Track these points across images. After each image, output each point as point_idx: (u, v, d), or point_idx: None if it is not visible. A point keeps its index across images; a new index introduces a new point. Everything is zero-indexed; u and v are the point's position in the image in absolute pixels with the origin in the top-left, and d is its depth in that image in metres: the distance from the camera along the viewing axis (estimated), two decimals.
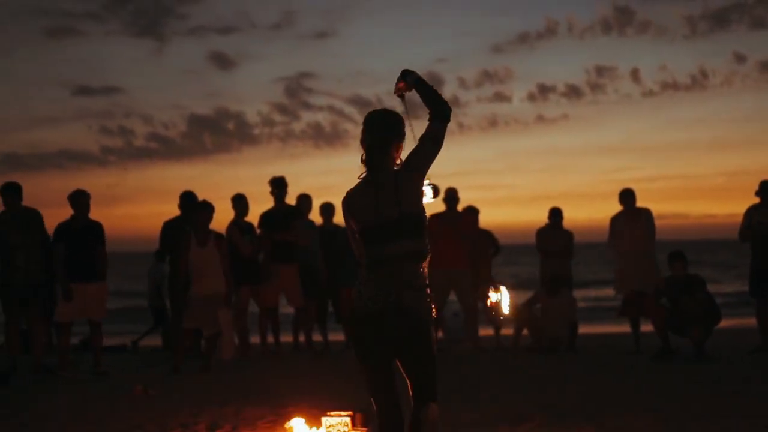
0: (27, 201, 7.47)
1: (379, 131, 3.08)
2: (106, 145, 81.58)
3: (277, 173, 8.56)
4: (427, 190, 3.19)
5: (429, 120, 3.09)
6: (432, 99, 3.09)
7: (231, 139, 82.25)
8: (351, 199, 3.11)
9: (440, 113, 3.06)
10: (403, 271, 3.00)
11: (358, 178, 3.11)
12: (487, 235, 9.37)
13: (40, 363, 7.32)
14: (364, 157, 3.09)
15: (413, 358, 3.06)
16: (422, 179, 3.06)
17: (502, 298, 3.17)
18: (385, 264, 3.00)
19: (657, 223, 8.64)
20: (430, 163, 3.06)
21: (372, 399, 3.15)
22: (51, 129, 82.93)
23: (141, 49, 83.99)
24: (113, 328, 15.03)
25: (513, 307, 3.28)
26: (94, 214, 7.61)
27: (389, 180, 3.03)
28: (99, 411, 5.63)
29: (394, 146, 3.10)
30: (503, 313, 3.24)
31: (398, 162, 3.11)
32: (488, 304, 3.28)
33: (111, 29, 79.09)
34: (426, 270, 3.09)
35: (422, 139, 3.08)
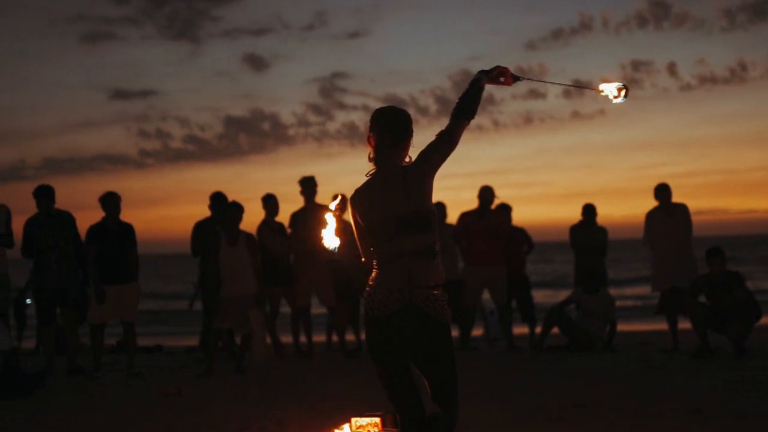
0: (66, 204, 7.58)
1: (388, 129, 3.03)
2: (144, 148, 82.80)
3: (313, 173, 8.55)
4: (611, 89, 3.23)
5: (451, 115, 3.05)
6: (467, 97, 3.06)
7: (266, 140, 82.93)
8: (359, 197, 3.06)
9: (463, 110, 3.03)
10: (413, 268, 2.94)
11: (366, 175, 3.07)
12: (520, 233, 9.26)
13: (74, 364, 7.39)
14: (372, 155, 3.06)
15: (428, 361, 2.98)
16: (432, 176, 3.01)
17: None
18: (395, 261, 2.95)
19: (696, 218, 8.47)
20: (443, 161, 3.02)
21: (390, 401, 3.09)
22: (89, 133, 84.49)
23: (176, 52, 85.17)
24: (150, 329, 15.24)
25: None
26: (133, 216, 7.69)
27: (398, 177, 2.99)
28: (131, 412, 5.66)
29: (403, 143, 3.05)
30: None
31: (408, 159, 3.06)
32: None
33: (147, 33, 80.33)
34: (439, 269, 3.03)
35: (438, 135, 3.04)
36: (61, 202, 7.51)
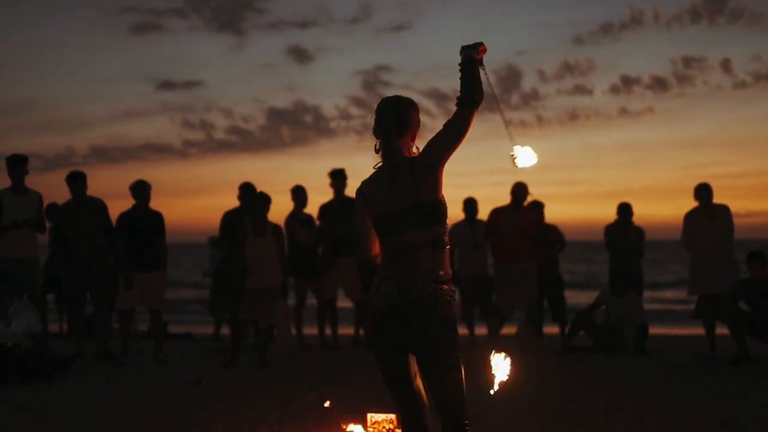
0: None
1: (396, 119, 2.92)
2: (188, 138, 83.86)
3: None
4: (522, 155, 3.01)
5: (456, 105, 2.89)
6: (466, 83, 2.88)
7: (308, 132, 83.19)
8: (366, 189, 2.95)
9: (467, 99, 2.86)
10: (422, 261, 2.83)
11: (374, 167, 2.97)
12: (552, 231, 9.05)
13: (103, 349, 7.44)
14: (378, 146, 2.95)
15: (432, 361, 2.84)
16: (441, 167, 2.88)
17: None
18: (403, 254, 2.84)
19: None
20: (451, 152, 2.87)
21: (392, 399, 2.98)
22: (135, 122, 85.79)
23: (221, 43, 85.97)
24: (184, 317, 15.38)
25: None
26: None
27: (405, 168, 2.88)
28: (153, 398, 5.69)
29: (410, 134, 2.94)
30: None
31: (415, 149, 2.95)
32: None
33: (193, 25, 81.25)
34: (448, 263, 2.90)
35: (445, 125, 2.90)
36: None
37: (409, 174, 2.86)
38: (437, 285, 2.84)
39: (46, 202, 7.61)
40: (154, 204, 7.63)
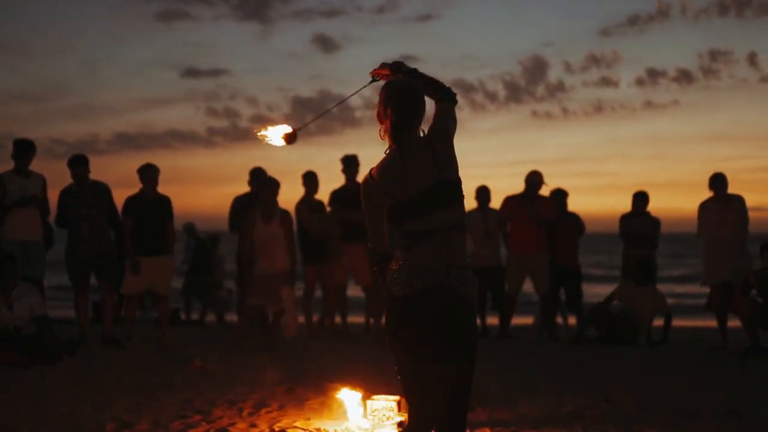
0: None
1: (409, 104, 2.83)
2: (213, 126, 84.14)
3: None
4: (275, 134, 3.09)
5: (437, 102, 2.92)
6: (435, 83, 2.95)
7: (333, 122, 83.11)
8: (380, 176, 2.81)
9: (448, 95, 2.93)
10: (447, 244, 2.75)
11: (386, 152, 2.86)
12: (573, 219, 8.90)
13: (108, 333, 7.43)
14: (387, 133, 2.85)
15: (447, 346, 2.73)
16: (452, 144, 2.85)
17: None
18: (427, 237, 2.74)
19: None
20: (454, 134, 2.88)
21: (403, 389, 2.88)
22: (160, 110, 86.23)
23: (247, 32, 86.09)
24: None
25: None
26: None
27: (424, 148, 2.80)
28: (155, 383, 5.67)
29: (421, 118, 2.87)
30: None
31: (421, 133, 2.88)
32: None
33: (219, 13, 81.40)
34: (468, 246, 2.83)
35: (439, 113, 2.89)
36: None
37: (428, 153, 2.79)
38: (461, 268, 2.76)
39: (57, 188, 7.58)
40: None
